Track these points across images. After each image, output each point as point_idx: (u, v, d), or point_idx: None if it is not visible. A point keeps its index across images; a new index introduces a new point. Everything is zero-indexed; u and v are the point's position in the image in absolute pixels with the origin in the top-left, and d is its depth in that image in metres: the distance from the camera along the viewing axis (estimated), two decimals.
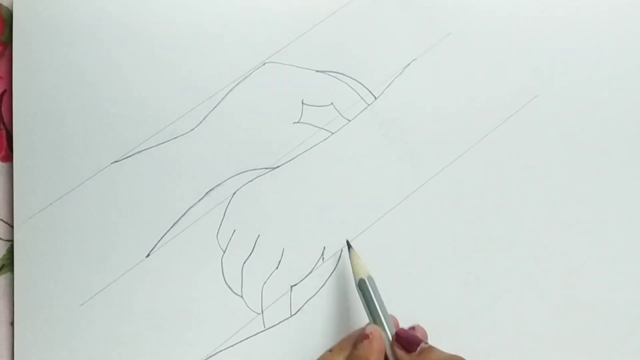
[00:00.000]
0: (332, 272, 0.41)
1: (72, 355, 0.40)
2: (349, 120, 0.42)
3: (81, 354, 0.40)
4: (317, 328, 0.40)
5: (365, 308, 0.37)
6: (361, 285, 0.37)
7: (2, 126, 0.43)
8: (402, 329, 0.36)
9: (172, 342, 0.40)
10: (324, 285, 0.41)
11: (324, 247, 0.41)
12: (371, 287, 0.37)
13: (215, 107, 0.42)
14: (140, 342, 0.40)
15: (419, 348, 0.33)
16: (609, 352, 0.40)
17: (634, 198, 0.42)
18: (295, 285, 0.41)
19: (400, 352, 0.34)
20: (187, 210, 0.41)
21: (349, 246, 0.39)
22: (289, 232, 0.41)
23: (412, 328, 0.38)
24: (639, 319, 0.40)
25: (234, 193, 0.41)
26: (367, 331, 0.35)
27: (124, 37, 0.42)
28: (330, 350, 0.36)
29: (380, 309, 0.36)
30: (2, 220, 0.42)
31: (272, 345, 0.40)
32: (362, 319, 0.38)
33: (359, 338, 0.35)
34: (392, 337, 0.35)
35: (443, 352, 0.33)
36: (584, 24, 0.43)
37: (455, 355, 0.33)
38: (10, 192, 0.42)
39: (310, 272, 0.41)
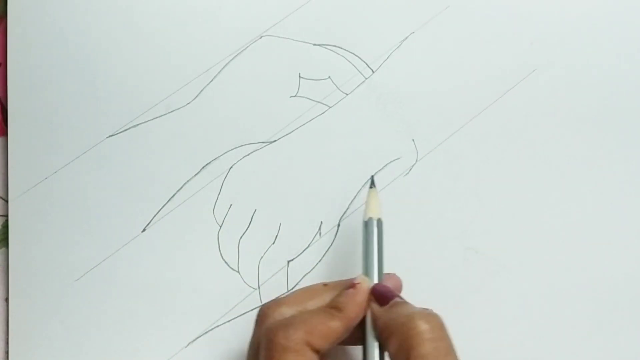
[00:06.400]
0: (329, 247, 0.40)
1: (67, 330, 0.40)
2: (347, 94, 0.42)
3: (76, 330, 0.40)
4: None
5: (363, 252, 0.34)
6: (367, 225, 0.34)
7: None
8: (380, 283, 0.33)
9: (168, 317, 0.40)
10: (321, 260, 0.40)
11: (321, 222, 0.41)
12: (376, 230, 0.34)
13: (211, 81, 0.42)
14: (135, 317, 0.40)
15: (391, 302, 0.32)
16: (612, 330, 0.40)
17: (634, 171, 0.41)
18: (292, 260, 0.40)
19: (374, 306, 0.32)
20: (183, 185, 0.41)
21: (372, 183, 0.36)
22: (285, 206, 0.41)
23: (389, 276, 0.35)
24: None
25: (231, 167, 0.41)
26: (356, 281, 0.33)
27: (120, 10, 0.42)
28: (325, 285, 0.34)
29: (377, 257, 0.34)
30: None
31: None
32: None
33: (348, 285, 0.33)
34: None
35: (414, 307, 0.31)
36: None
37: (425, 309, 0.31)
38: (5, 167, 0.41)
39: (307, 247, 0.40)
